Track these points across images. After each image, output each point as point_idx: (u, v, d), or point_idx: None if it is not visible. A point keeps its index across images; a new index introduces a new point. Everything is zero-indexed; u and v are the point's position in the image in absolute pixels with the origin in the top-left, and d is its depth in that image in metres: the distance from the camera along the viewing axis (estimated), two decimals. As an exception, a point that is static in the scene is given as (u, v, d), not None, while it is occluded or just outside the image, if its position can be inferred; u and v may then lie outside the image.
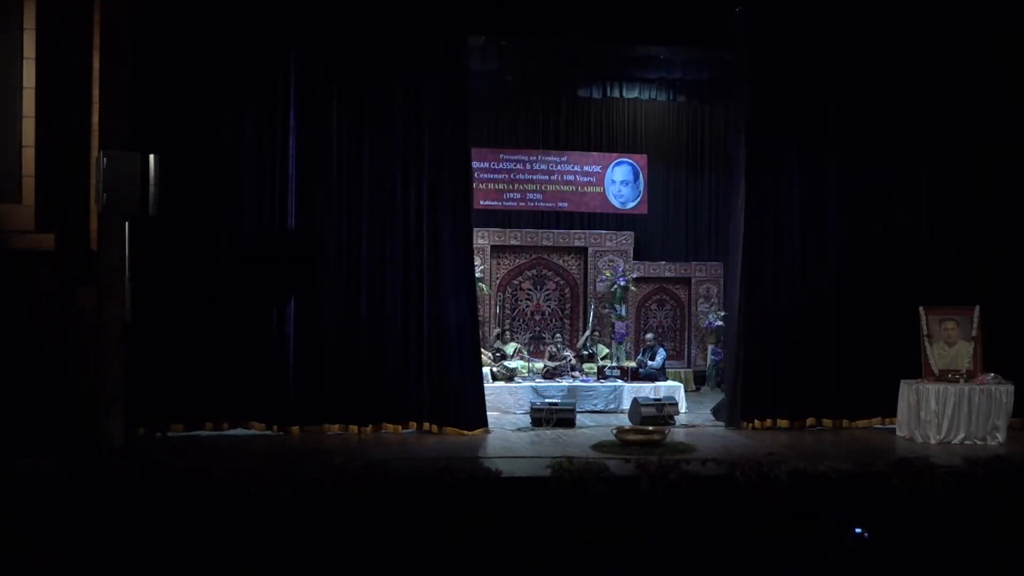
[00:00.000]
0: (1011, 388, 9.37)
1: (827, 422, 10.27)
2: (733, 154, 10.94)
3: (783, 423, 10.15)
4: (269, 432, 9.47)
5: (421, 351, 9.68)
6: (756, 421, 10.12)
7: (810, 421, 10.23)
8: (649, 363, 12.34)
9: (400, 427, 9.66)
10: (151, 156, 8.10)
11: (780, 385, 10.23)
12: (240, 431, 9.49)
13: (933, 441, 9.24)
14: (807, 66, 10.37)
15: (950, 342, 9.73)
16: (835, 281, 10.34)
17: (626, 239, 14.54)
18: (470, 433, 9.53)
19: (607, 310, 14.13)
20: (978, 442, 9.18)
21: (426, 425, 9.65)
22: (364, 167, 9.71)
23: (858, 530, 6.97)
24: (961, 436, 9.26)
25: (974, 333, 9.69)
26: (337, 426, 9.58)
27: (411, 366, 9.69)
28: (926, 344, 9.74)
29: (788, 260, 10.36)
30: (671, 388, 11.66)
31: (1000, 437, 9.22)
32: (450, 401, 9.67)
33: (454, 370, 9.69)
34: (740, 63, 10.70)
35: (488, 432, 9.69)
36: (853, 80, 10.40)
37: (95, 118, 8.71)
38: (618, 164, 15.05)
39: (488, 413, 10.91)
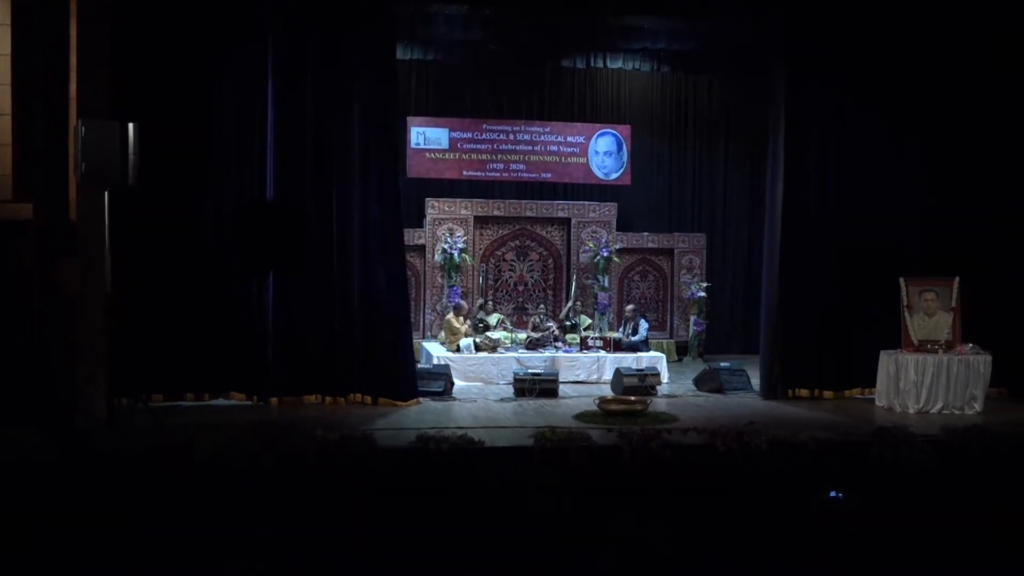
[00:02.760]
0: (989, 358, 9.46)
1: (816, 393, 10.38)
2: (770, 125, 10.83)
3: (828, 394, 10.33)
4: (249, 403, 9.47)
5: (355, 322, 9.62)
6: (800, 390, 10.29)
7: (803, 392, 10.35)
8: (632, 337, 12.34)
9: (343, 399, 9.60)
10: (130, 125, 8.00)
11: (819, 356, 10.35)
12: (221, 401, 9.48)
13: (912, 411, 9.33)
14: (837, 43, 10.29)
15: (930, 313, 9.79)
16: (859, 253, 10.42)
17: (609, 210, 14.52)
18: (404, 404, 9.46)
19: (590, 281, 14.15)
20: (956, 411, 9.26)
21: (358, 396, 9.59)
22: (335, 138, 9.63)
23: (833, 493, 7.06)
24: (939, 406, 9.35)
25: (953, 304, 9.76)
26: (315, 396, 9.57)
27: (351, 336, 9.63)
28: (906, 315, 9.81)
29: (820, 232, 10.44)
30: (653, 359, 11.72)
31: (978, 407, 9.32)
32: (383, 372, 9.62)
33: (388, 341, 9.65)
34: (773, 37, 10.68)
35: (419, 403, 9.63)
36: (875, 57, 10.41)
37: (73, 86, 8.58)
38: (602, 135, 15.00)
39: (471, 383, 11.03)
